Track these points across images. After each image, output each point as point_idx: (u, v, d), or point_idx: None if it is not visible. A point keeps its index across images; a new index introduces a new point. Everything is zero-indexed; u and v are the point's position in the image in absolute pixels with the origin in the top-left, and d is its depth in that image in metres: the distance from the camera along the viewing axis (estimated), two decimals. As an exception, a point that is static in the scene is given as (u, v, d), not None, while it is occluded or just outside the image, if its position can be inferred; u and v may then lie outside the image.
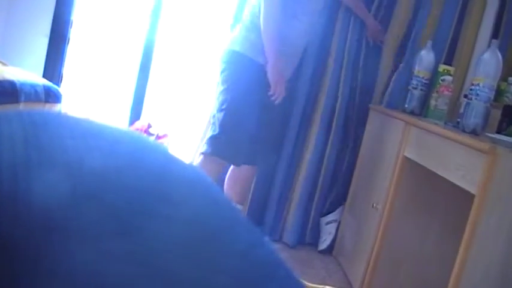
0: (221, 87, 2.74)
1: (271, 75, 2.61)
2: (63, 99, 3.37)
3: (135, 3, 4.02)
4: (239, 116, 2.69)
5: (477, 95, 2.40)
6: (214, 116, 2.78)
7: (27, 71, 3.11)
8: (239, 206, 3.09)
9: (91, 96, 4.54)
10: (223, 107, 2.70)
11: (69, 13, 3.48)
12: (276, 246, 3.27)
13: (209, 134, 2.76)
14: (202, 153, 2.76)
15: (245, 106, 2.68)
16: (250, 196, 3.33)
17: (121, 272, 0.38)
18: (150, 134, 3.35)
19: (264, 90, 2.67)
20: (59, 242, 0.38)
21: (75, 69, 3.99)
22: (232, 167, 2.95)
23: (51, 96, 3.27)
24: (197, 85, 4.12)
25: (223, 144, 2.71)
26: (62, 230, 0.38)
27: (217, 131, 2.71)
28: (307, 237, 3.50)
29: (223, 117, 2.69)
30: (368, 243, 2.87)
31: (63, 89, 3.52)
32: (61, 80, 3.60)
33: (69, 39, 3.56)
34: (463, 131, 2.41)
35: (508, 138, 2.24)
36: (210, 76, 3.01)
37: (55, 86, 3.37)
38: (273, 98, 2.66)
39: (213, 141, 2.72)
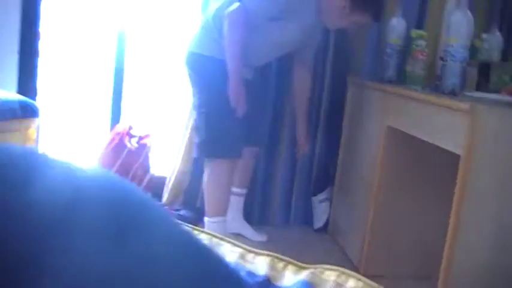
0: (193, 91, 2.83)
1: (231, 93, 2.65)
2: (41, 113, 3.33)
3: (101, 8, 3.98)
4: (218, 114, 2.74)
5: (452, 55, 2.40)
6: (195, 120, 2.86)
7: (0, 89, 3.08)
8: (244, 190, 3.19)
9: (69, 106, 4.50)
10: (202, 110, 2.77)
11: (36, 26, 3.43)
12: (267, 228, 3.33)
13: (197, 139, 2.83)
14: (197, 158, 2.84)
15: (221, 103, 2.69)
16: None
17: None
18: (132, 136, 3.32)
19: None
20: None
21: (49, 82, 3.95)
22: None
23: (28, 111, 3.23)
24: (173, 82, 4.09)
25: (215, 145, 2.78)
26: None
27: (204, 135, 2.78)
28: (294, 218, 3.53)
29: (205, 121, 2.77)
30: (362, 217, 2.87)
31: (39, 103, 3.48)
32: (36, 94, 3.55)
33: (39, 52, 3.51)
34: (442, 93, 2.40)
35: (487, 95, 2.25)
36: (184, 72, 2.98)
37: (31, 101, 3.33)
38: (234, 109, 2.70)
39: (204, 145, 2.80)
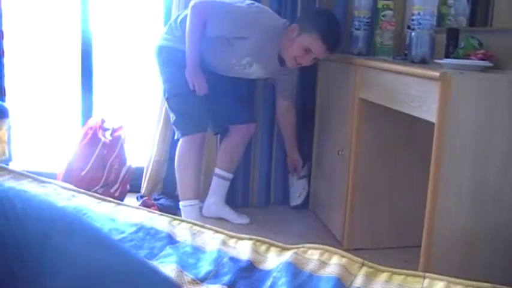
0: (160, 80, 3.02)
1: (187, 75, 2.84)
2: (11, 113, 3.28)
3: (63, 4, 3.92)
4: (181, 95, 2.92)
5: (419, 24, 2.40)
6: (166, 104, 3.07)
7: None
8: (229, 175, 3.24)
9: (39, 105, 4.44)
10: (166, 96, 2.98)
11: (-2, 25, 3.35)
12: (250, 210, 3.35)
13: (171, 122, 3.03)
14: (177, 138, 3.00)
15: (182, 85, 2.87)
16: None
17: None
18: (106, 129, 3.28)
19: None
20: None
21: (17, 81, 3.88)
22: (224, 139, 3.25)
23: (-3, 113, 3.18)
24: (141, 72, 4.05)
25: (185, 123, 2.94)
26: None
27: (174, 117, 2.98)
28: (275, 197, 3.54)
29: (171, 104, 2.98)
30: (341, 190, 2.88)
31: (8, 103, 3.42)
32: (4, 94, 3.47)
33: (3, 50, 3.43)
34: (412, 62, 2.41)
35: (457, 60, 2.25)
36: (153, 62, 3.02)
37: (0, 102, 3.27)
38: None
39: (176, 126, 2.99)
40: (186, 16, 2.85)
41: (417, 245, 2.12)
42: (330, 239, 2.93)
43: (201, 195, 3.28)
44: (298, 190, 3.43)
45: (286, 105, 3.25)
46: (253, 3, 2.89)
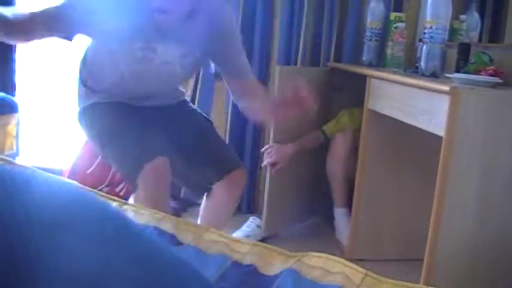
0: None
1: None
2: (20, 108, 3.29)
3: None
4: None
5: (431, 37, 2.40)
6: None
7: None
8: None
9: (49, 101, 4.45)
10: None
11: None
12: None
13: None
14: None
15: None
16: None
17: None
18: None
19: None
20: None
21: (28, 77, 3.90)
22: (204, 197, 2.32)
23: (7, 107, 3.20)
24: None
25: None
26: None
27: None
28: None
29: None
30: (347, 200, 2.88)
31: (18, 98, 3.43)
32: (15, 89, 3.49)
33: (15, 46, 3.45)
34: (423, 75, 2.41)
35: (467, 75, 2.26)
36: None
37: (9, 96, 3.29)
38: None
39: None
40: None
41: (420, 258, 2.12)
42: (333, 248, 2.93)
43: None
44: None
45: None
46: None
